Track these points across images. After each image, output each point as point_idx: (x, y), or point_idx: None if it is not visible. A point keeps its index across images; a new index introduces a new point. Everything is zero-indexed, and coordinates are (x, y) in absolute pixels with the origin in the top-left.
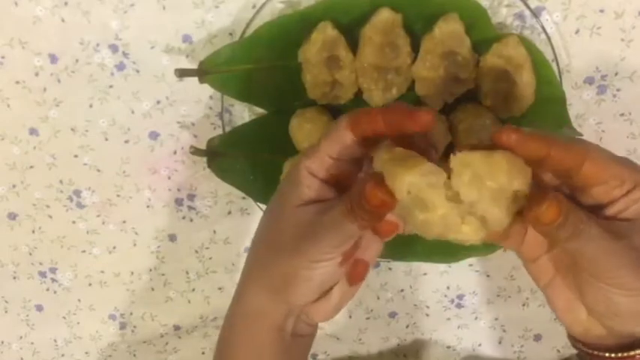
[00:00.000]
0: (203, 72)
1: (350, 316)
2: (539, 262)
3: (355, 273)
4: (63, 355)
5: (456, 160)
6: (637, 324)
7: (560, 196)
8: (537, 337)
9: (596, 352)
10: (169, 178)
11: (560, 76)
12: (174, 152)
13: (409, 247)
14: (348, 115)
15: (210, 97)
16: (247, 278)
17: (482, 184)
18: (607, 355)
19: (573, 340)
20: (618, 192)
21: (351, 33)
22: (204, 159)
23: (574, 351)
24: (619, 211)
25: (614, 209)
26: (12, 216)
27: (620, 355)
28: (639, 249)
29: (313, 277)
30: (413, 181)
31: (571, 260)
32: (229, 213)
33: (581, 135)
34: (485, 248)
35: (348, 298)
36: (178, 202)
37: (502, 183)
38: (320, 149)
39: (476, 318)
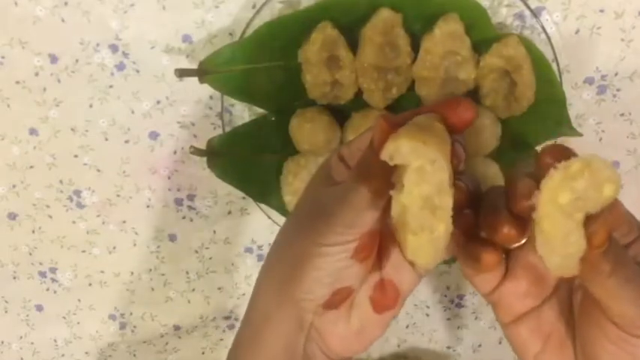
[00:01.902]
0: (203, 72)
1: None
2: (529, 321)
3: (382, 297)
4: (63, 355)
5: (556, 176)
6: None
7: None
8: None
9: None
10: (169, 178)
11: (560, 76)
12: (174, 152)
13: None
14: (388, 115)
15: (210, 97)
16: (261, 273)
17: (579, 209)
18: None
19: None
20: (626, 239)
21: (351, 33)
22: (204, 159)
23: None
24: (632, 256)
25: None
26: (12, 216)
27: None
28: None
29: (323, 265)
30: (403, 151)
31: (570, 309)
32: (229, 213)
33: (581, 135)
34: None
35: (374, 330)
36: (178, 202)
37: (617, 184)
38: (353, 141)
39: (476, 318)
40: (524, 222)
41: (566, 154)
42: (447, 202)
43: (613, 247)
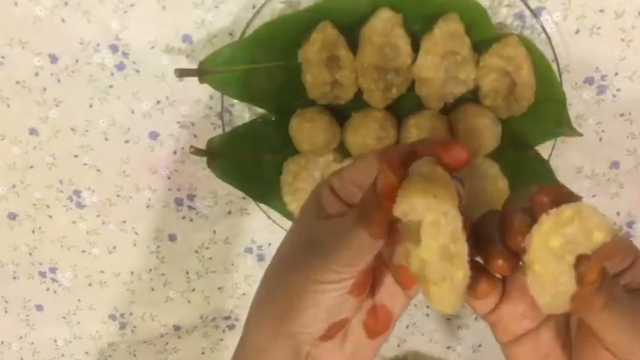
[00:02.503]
0: (203, 72)
1: None
2: (526, 342)
3: (375, 323)
4: (63, 355)
5: (547, 222)
6: None
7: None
8: None
9: None
10: (169, 178)
11: (560, 76)
12: (174, 152)
13: None
14: (380, 150)
15: (211, 97)
16: (253, 309)
17: (570, 252)
18: None
19: None
20: (621, 265)
21: (351, 33)
22: (204, 159)
23: None
24: (627, 283)
25: (622, 281)
26: (12, 216)
27: None
28: None
29: (321, 302)
30: (418, 209)
31: (567, 332)
32: (229, 213)
33: (581, 135)
34: None
35: (367, 353)
36: (178, 202)
37: (607, 230)
38: (345, 172)
39: (476, 318)
40: (517, 255)
41: (560, 195)
42: (462, 248)
43: (605, 283)
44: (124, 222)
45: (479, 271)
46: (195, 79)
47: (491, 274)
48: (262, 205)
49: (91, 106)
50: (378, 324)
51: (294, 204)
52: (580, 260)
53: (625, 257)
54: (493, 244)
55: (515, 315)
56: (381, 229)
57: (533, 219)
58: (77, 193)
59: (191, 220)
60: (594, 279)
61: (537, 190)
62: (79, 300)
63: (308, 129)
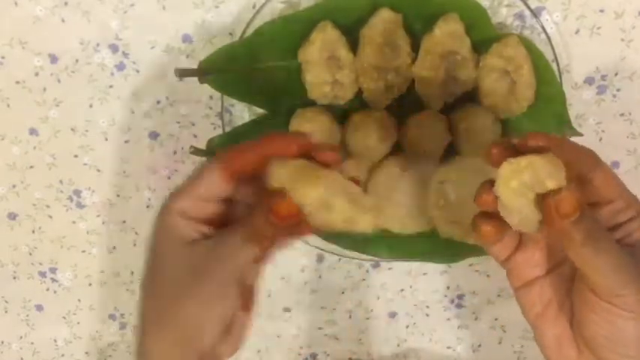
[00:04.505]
0: (203, 72)
1: (350, 316)
2: (534, 288)
3: (247, 298)
4: (63, 355)
5: (507, 168)
6: (637, 353)
7: (578, 192)
8: None
9: None
10: (169, 178)
11: (560, 76)
12: (174, 152)
13: (409, 247)
14: (218, 157)
15: (210, 97)
16: (148, 335)
17: (528, 189)
18: None
19: None
20: (622, 217)
21: (351, 33)
22: (204, 159)
23: None
24: (623, 236)
25: (619, 234)
26: (12, 216)
27: None
28: None
29: (222, 315)
30: (319, 195)
31: (571, 283)
32: None
33: (582, 135)
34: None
35: (249, 325)
36: None
37: (560, 180)
38: (189, 191)
39: (476, 318)
40: (500, 219)
41: (510, 146)
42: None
43: (585, 219)
44: (124, 222)
45: (483, 217)
46: (195, 79)
47: (493, 220)
48: None
49: (91, 106)
50: (250, 297)
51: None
52: (555, 193)
53: (628, 207)
54: (476, 215)
55: (527, 263)
56: (269, 242)
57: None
58: (77, 193)
59: None
60: (567, 211)
61: (491, 144)
62: (79, 300)
63: (308, 129)
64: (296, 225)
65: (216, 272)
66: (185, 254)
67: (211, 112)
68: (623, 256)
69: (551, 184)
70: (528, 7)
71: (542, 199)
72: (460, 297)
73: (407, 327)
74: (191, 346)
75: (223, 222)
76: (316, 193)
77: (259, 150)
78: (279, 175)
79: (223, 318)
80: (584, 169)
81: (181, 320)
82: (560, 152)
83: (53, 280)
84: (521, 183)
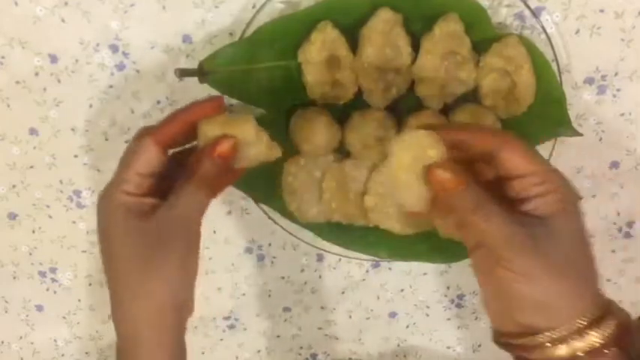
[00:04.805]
0: (203, 72)
1: (350, 316)
2: (478, 251)
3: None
4: (63, 355)
5: (398, 145)
6: (533, 313)
7: (461, 167)
8: None
9: (503, 340)
10: None
11: (560, 76)
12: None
13: (409, 247)
14: (146, 129)
15: None
16: (123, 310)
17: (417, 162)
18: (512, 342)
19: (496, 334)
20: (535, 190)
21: (351, 33)
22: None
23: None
24: (533, 208)
25: (530, 206)
26: (12, 216)
27: (521, 341)
28: (538, 240)
29: (195, 270)
30: (254, 126)
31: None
32: (229, 213)
33: (582, 135)
34: None
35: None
36: None
37: (435, 155)
38: (131, 169)
39: (476, 318)
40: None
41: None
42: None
43: (472, 190)
44: None
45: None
46: (195, 79)
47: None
48: (262, 205)
49: (91, 106)
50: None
51: (294, 204)
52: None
53: (543, 182)
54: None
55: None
56: (219, 186)
57: None
58: (77, 193)
59: None
60: (449, 183)
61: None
62: (79, 300)
63: (308, 129)
64: (231, 167)
65: (182, 227)
66: (143, 228)
67: None
68: (513, 224)
69: (433, 154)
70: (528, 7)
71: (428, 172)
72: (460, 297)
73: (407, 327)
74: (170, 306)
75: (160, 195)
76: (250, 125)
77: (183, 116)
78: (210, 129)
79: (195, 270)
80: (489, 148)
81: (157, 286)
82: (456, 133)
83: (53, 280)
84: (412, 157)
